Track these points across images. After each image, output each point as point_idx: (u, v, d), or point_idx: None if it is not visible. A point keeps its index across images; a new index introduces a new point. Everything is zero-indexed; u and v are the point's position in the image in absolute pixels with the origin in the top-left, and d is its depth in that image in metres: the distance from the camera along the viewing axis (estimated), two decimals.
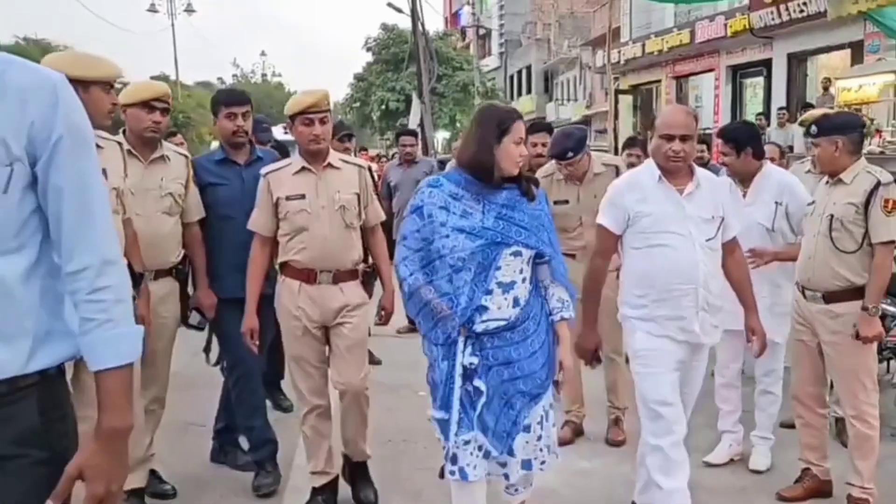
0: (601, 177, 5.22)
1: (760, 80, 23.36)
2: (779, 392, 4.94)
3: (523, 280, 3.36)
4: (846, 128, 4.21)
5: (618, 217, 3.85)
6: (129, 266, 3.39)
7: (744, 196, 4.75)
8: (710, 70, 25.28)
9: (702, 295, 3.75)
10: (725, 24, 22.40)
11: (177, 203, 4.28)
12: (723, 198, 3.93)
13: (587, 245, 5.16)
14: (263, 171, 4.19)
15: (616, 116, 26.55)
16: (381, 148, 38.33)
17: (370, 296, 4.39)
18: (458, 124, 39.67)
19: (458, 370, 3.28)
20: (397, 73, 38.22)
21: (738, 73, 24.49)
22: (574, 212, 5.23)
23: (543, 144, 5.74)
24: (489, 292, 3.27)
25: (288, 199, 4.07)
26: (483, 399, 3.27)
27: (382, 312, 4.43)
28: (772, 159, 5.63)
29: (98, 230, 1.86)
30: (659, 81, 28.83)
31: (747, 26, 21.37)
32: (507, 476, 3.47)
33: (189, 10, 41.65)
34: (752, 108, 22.89)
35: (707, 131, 17.18)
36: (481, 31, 54.88)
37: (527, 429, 3.37)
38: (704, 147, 7.67)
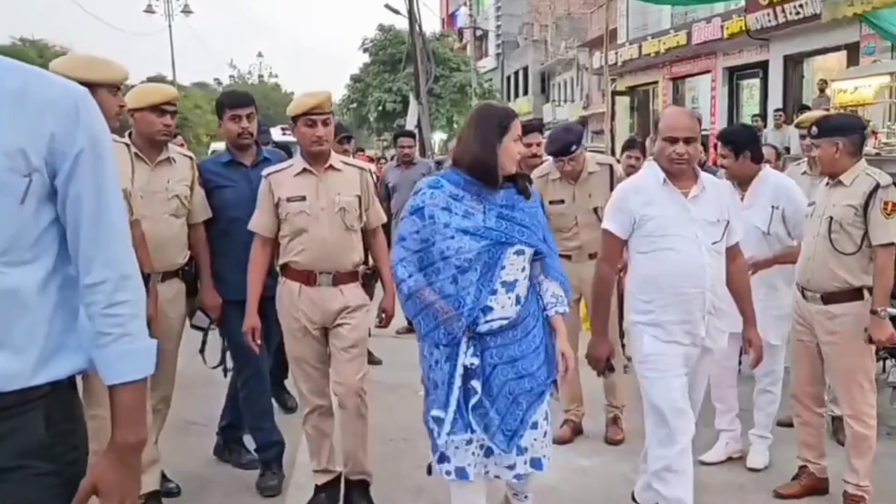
0: (595, 176, 5.28)
1: (757, 81, 23.43)
2: (777, 391, 4.98)
3: (525, 278, 3.38)
4: (847, 129, 4.22)
5: (624, 221, 3.81)
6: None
7: (741, 199, 4.76)
8: (707, 71, 25.36)
9: (709, 299, 3.72)
10: (722, 26, 22.47)
11: (183, 205, 4.31)
12: (727, 201, 3.91)
13: (582, 245, 5.23)
14: (265, 172, 4.20)
15: (613, 118, 26.64)
16: (377, 149, 38.35)
17: (371, 297, 4.41)
18: (454, 125, 39.67)
19: (459, 370, 3.28)
20: (394, 75, 38.27)
21: (735, 75, 24.56)
22: (569, 211, 5.25)
23: (538, 144, 5.78)
24: (494, 292, 3.27)
25: (288, 200, 4.08)
26: (476, 398, 3.26)
27: (383, 315, 4.44)
28: (768, 161, 5.68)
29: (116, 244, 1.87)
30: (656, 83, 28.90)
31: (744, 28, 21.45)
32: (518, 477, 3.42)
33: (186, 10, 41.62)
34: (749, 110, 22.95)
35: (703, 133, 17.22)
36: (478, 33, 54.88)
37: (534, 426, 3.37)
38: (702, 149, 7.70)
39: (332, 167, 4.19)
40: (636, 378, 5.53)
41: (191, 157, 4.50)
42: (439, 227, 3.27)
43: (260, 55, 79.53)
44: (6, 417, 1.75)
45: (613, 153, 16.88)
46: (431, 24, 60.76)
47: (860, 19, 11.28)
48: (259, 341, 4.21)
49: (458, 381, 3.28)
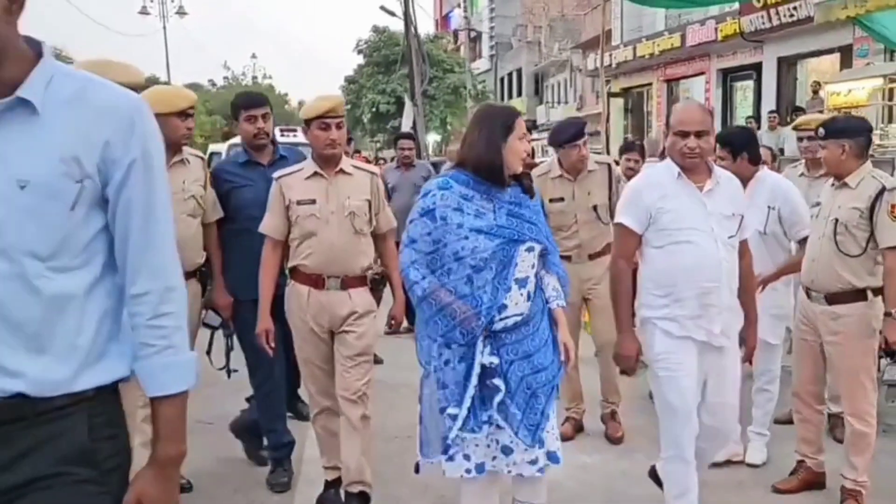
0: (595, 174, 5.32)
1: (750, 83, 23.54)
2: (775, 390, 5.04)
3: (534, 274, 3.42)
4: (853, 131, 4.24)
5: (640, 216, 3.76)
6: None
7: None
8: (701, 73, 25.47)
9: (724, 294, 3.69)
10: (716, 28, 22.57)
11: (199, 205, 4.37)
12: (740, 196, 3.89)
13: (581, 244, 5.28)
14: (276, 175, 4.21)
15: (607, 119, 26.70)
16: (370, 150, 38.32)
17: (379, 302, 4.43)
18: (448, 127, 39.70)
19: (477, 370, 3.29)
20: (388, 76, 38.20)
21: (729, 77, 24.67)
22: (569, 209, 5.27)
23: (529, 141, 5.84)
24: (508, 290, 3.30)
25: (299, 203, 4.09)
26: (500, 396, 3.29)
27: (392, 322, 4.47)
28: (764, 162, 5.72)
29: (163, 256, 1.88)
30: (650, 84, 28.99)
31: (738, 30, 21.56)
32: (541, 471, 3.42)
33: (181, 12, 41.57)
34: (743, 112, 23.05)
35: None
36: (472, 34, 54.88)
37: (547, 418, 3.41)
38: None
39: (342, 171, 4.19)
40: (636, 379, 5.61)
41: (202, 158, 4.57)
42: (452, 228, 3.28)
43: (254, 56, 79.50)
44: (47, 422, 1.75)
45: (608, 154, 16.91)
46: (425, 25, 60.81)
47: (853, 22, 11.35)
48: (273, 344, 4.22)
49: (474, 381, 3.30)
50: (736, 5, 20.63)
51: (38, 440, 1.74)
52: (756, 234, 4.74)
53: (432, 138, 37.89)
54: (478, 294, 3.29)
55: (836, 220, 4.16)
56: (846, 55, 18.58)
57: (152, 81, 18.89)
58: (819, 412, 4.58)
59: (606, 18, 22.51)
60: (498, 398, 3.30)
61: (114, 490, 1.84)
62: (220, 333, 4.72)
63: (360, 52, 41.11)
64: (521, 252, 3.34)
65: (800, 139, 5.78)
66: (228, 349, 4.75)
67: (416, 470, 3.62)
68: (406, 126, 22.39)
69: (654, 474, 4.24)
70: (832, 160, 4.24)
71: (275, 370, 4.65)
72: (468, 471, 3.41)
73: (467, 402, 3.31)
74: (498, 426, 3.35)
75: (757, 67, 22.62)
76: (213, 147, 17.50)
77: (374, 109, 38.75)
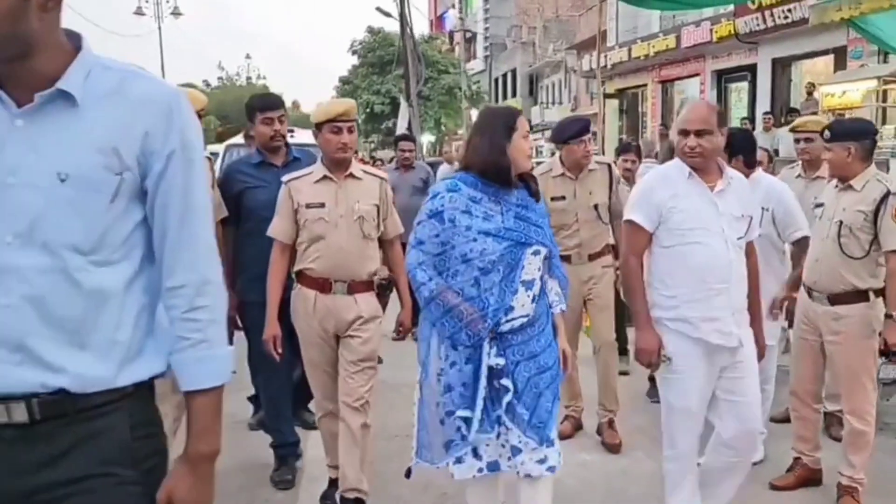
0: (596, 173, 5.32)
1: (745, 84, 23.57)
2: (771, 389, 5.07)
3: (541, 277, 3.44)
4: (859, 134, 4.26)
5: (651, 214, 3.70)
6: None
7: None
8: (696, 75, 25.49)
9: (734, 295, 3.66)
10: (711, 30, 22.61)
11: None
12: (750, 197, 3.86)
13: (582, 243, 5.26)
14: (285, 178, 4.20)
15: (602, 121, 26.70)
16: (365, 151, 38.27)
17: (385, 307, 4.44)
18: (443, 127, 39.72)
19: (484, 371, 3.31)
20: (382, 76, 38.22)
21: (724, 78, 24.69)
22: (571, 208, 5.25)
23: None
24: (515, 292, 3.32)
25: (307, 206, 4.07)
26: (509, 396, 3.31)
27: (401, 328, 4.48)
28: (760, 163, 5.74)
29: (200, 248, 1.85)
30: (645, 85, 29.02)
31: (733, 32, 21.59)
32: (551, 469, 3.45)
33: (176, 13, 41.45)
34: (737, 113, 23.07)
35: None
36: (467, 35, 54.86)
37: (554, 417, 3.45)
38: None
39: (352, 175, 4.18)
40: (636, 379, 5.66)
41: (209, 158, 4.57)
42: (460, 230, 3.30)
43: (248, 57, 79.39)
44: (88, 419, 1.74)
45: (604, 155, 16.92)
46: (420, 25, 60.78)
47: (848, 24, 11.38)
48: (280, 350, 4.19)
49: (483, 382, 3.31)
50: (731, 6, 20.72)
51: (78, 438, 1.73)
52: None
53: (427, 139, 37.86)
54: (485, 296, 3.31)
55: (841, 223, 4.19)
56: (840, 57, 18.64)
57: None
58: (816, 411, 4.62)
59: (602, 20, 22.51)
60: (507, 399, 3.33)
61: (151, 492, 1.82)
62: None
63: (354, 52, 41.12)
64: (527, 255, 3.36)
65: (797, 141, 5.79)
66: None
67: (408, 475, 3.64)
68: (401, 127, 22.35)
69: None
70: (837, 162, 4.25)
71: (280, 371, 4.63)
72: (480, 470, 3.44)
73: (480, 404, 3.33)
74: (506, 427, 3.37)
75: (752, 69, 22.67)
76: (211, 148, 17.43)
77: (368, 110, 38.70)
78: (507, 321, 3.33)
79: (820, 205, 4.45)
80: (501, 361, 3.32)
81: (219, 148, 12.03)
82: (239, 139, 10.95)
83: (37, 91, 1.67)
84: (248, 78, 60.56)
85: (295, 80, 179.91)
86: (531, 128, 6.76)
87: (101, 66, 1.76)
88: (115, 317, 1.76)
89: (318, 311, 4.12)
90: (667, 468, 3.90)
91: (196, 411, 1.84)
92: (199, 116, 4.29)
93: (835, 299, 4.26)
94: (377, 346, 4.28)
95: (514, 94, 48.88)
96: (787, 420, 4.86)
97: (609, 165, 5.51)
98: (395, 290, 4.51)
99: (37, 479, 1.71)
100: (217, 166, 7.60)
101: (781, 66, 21.86)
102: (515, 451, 3.41)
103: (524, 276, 3.36)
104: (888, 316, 4.07)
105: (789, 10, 18.95)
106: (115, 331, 1.77)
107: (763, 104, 21.29)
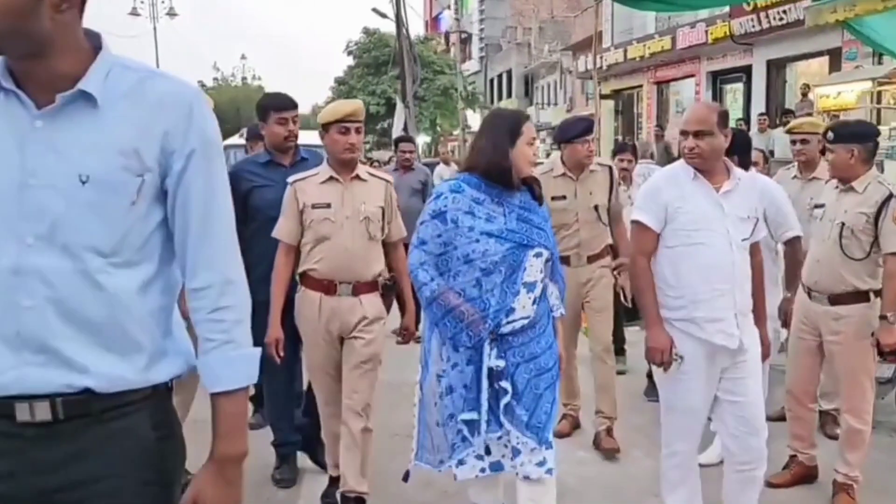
0: (596, 174, 5.32)
1: (740, 85, 23.61)
2: (764, 388, 5.13)
3: (542, 279, 3.46)
4: (862, 136, 4.30)
5: (658, 214, 3.66)
6: None
7: None
8: (691, 76, 25.54)
9: (738, 296, 3.63)
10: (706, 31, 22.65)
11: None
12: (757, 198, 3.83)
13: (581, 243, 5.26)
14: (290, 179, 4.17)
15: (598, 121, 26.76)
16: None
17: (389, 308, 4.42)
18: (438, 128, 39.67)
19: (485, 372, 3.33)
20: (378, 77, 38.16)
21: (719, 79, 24.74)
22: (571, 207, 5.24)
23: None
24: (516, 293, 3.34)
25: (313, 207, 4.04)
26: (507, 398, 3.33)
27: (405, 332, 4.45)
28: (755, 164, 5.76)
29: (222, 248, 1.83)
30: (640, 87, 29.04)
31: (728, 33, 21.65)
32: (550, 472, 3.46)
33: (171, 13, 41.38)
34: (733, 114, 23.04)
35: None
36: (462, 36, 54.84)
37: (552, 419, 3.48)
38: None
39: (358, 177, 4.17)
40: (634, 378, 5.69)
41: None
42: (463, 231, 3.32)
43: (243, 57, 78.79)
44: (111, 419, 1.74)
45: (600, 155, 16.95)
46: (415, 26, 60.73)
47: (843, 26, 11.41)
48: (282, 353, 4.17)
49: (485, 383, 3.34)
50: (726, 8, 20.77)
51: (101, 437, 1.73)
52: None
53: (422, 140, 37.83)
54: (486, 297, 3.33)
55: (843, 224, 4.22)
56: (835, 58, 18.71)
57: None
58: (812, 410, 4.66)
59: (597, 20, 22.59)
60: (505, 400, 3.35)
61: (172, 493, 1.83)
62: None
63: (350, 53, 41.03)
64: (529, 257, 3.38)
65: (793, 142, 5.82)
66: None
67: (406, 478, 3.67)
68: (397, 127, 22.28)
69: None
70: (840, 164, 4.27)
71: (282, 371, 4.57)
72: (482, 470, 3.47)
73: (485, 405, 3.35)
74: (506, 428, 3.40)
75: (746, 70, 22.73)
76: None
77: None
78: (508, 322, 3.35)
79: (819, 206, 4.48)
80: (501, 363, 3.34)
81: None
82: (236, 139, 10.66)
83: (58, 92, 1.66)
84: (244, 78, 60.43)
85: (290, 81, 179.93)
86: None
87: (120, 65, 1.75)
88: (137, 318, 1.75)
89: (324, 313, 4.10)
90: (665, 467, 3.93)
91: (222, 413, 1.82)
92: None
93: (835, 300, 4.29)
94: (380, 347, 4.25)
95: (509, 95, 48.83)
96: (782, 419, 4.90)
97: (610, 168, 5.51)
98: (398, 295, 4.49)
99: (58, 478, 1.71)
100: None
101: (776, 68, 21.92)
102: (515, 452, 3.44)
103: (526, 278, 3.38)
104: (882, 317, 4.11)
105: (784, 12, 18.99)
106: (137, 332, 1.76)
107: (758, 105, 21.35)
